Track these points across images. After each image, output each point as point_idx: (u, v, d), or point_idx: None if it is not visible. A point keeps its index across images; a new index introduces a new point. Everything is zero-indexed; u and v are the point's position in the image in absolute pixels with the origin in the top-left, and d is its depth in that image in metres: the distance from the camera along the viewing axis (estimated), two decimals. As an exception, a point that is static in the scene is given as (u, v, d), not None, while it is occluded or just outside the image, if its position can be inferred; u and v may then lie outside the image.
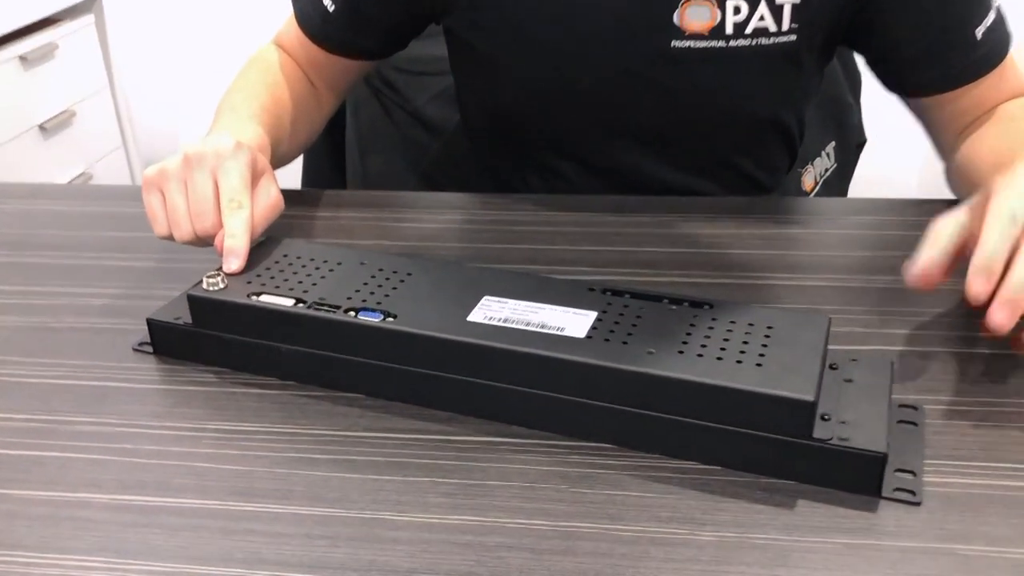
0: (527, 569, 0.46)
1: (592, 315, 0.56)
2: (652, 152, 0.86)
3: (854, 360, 0.56)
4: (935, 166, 0.86)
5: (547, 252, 0.75)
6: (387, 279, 0.61)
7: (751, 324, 0.55)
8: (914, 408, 0.56)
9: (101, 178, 2.18)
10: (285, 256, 0.64)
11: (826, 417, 0.51)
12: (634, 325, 0.55)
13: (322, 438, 0.55)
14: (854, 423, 0.51)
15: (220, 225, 0.64)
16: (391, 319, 0.57)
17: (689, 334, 0.54)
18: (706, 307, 0.57)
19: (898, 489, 0.50)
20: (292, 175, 1.12)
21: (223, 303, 0.60)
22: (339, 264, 0.63)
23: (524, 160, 0.91)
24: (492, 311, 0.57)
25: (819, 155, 1.09)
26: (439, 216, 0.83)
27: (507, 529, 0.48)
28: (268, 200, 0.69)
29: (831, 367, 0.55)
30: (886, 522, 0.48)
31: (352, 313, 0.58)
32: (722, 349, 0.53)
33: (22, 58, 1.90)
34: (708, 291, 0.69)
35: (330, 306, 0.58)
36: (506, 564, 0.46)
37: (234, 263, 0.62)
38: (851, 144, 1.07)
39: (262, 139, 0.75)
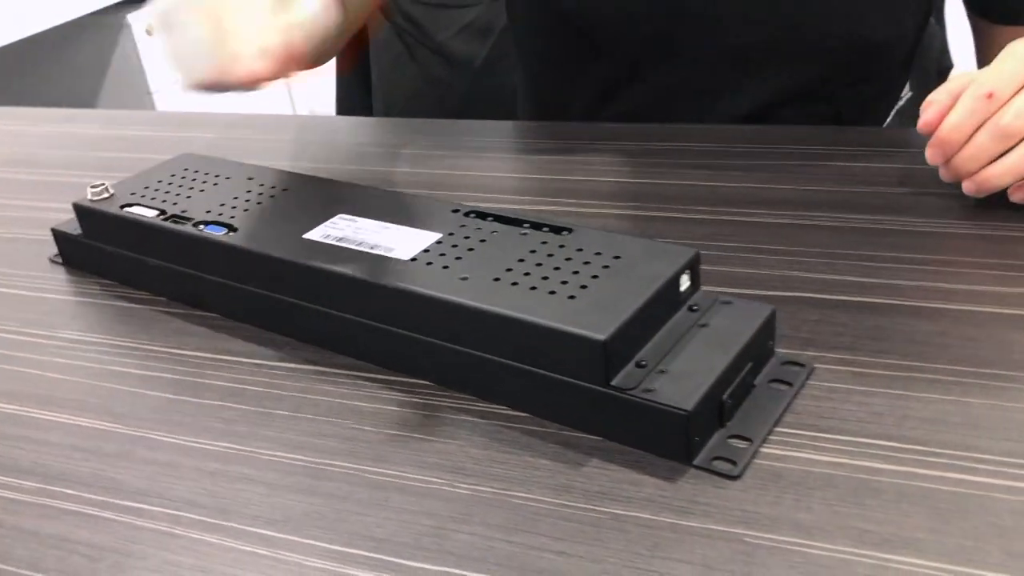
0: (254, 502, 0.41)
1: (435, 236, 0.50)
2: (733, 77, 0.75)
3: (727, 303, 0.46)
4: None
5: (498, 181, 0.69)
6: (260, 194, 0.57)
7: (598, 253, 0.46)
8: (799, 366, 0.45)
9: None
10: (186, 170, 0.62)
11: (642, 364, 0.42)
12: (470, 250, 0.48)
13: (148, 354, 0.52)
14: (675, 374, 0.41)
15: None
16: (232, 233, 0.53)
17: (522, 260, 0.46)
18: (564, 232, 0.49)
19: (718, 459, 0.40)
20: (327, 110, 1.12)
21: (98, 212, 0.58)
22: (227, 179, 0.60)
23: (580, 81, 0.80)
24: (334, 229, 0.52)
25: None
26: (415, 143, 0.78)
27: (259, 461, 0.43)
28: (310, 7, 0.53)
29: (691, 308, 0.45)
30: (678, 495, 0.39)
31: (201, 227, 0.54)
32: (544, 279, 0.45)
33: None
34: (615, 224, 0.60)
35: (185, 219, 0.55)
36: (238, 497, 0.41)
37: (262, 62, 0.50)
38: (931, 71, 0.91)
39: None
